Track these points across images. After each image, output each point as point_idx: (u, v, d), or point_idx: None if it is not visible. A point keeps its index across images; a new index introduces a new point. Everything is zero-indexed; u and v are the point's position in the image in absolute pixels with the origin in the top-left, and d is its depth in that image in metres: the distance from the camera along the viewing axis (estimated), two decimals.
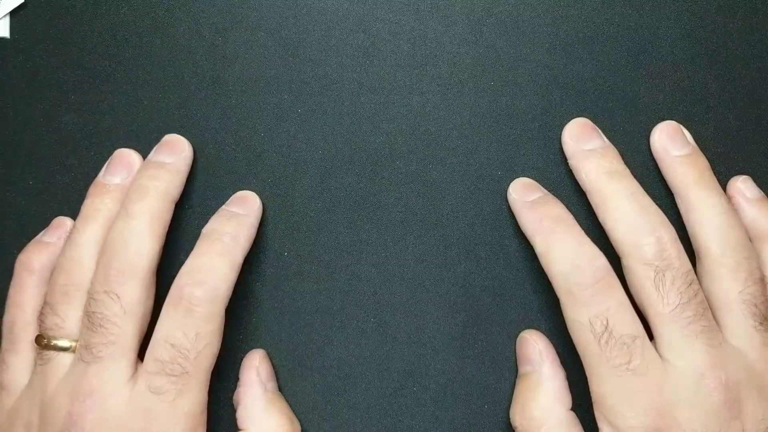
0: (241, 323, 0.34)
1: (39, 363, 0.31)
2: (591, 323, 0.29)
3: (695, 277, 0.30)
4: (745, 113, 0.34)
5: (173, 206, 0.32)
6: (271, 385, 0.33)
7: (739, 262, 0.31)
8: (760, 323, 0.30)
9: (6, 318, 0.33)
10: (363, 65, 0.34)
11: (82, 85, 0.35)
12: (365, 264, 0.34)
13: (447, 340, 0.34)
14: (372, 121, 0.34)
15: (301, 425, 0.33)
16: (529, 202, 0.33)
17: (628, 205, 0.31)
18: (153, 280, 0.31)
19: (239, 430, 0.32)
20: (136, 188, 0.32)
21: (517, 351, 0.34)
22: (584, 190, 0.33)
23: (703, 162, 0.33)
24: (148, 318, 0.31)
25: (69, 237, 0.32)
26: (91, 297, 0.30)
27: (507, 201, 0.34)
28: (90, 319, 0.30)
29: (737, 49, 0.34)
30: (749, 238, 0.32)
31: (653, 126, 0.34)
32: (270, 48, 0.35)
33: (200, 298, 0.30)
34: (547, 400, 0.31)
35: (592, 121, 0.34)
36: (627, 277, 0.31)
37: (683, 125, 0.34)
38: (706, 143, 0.34)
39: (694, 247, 0.32)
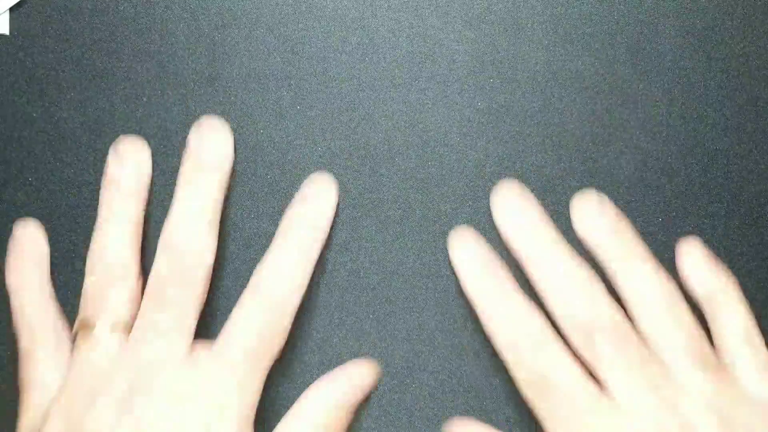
0: None
1: (84, 350, 0.30)
2: (536, 379, 0.30)
3: (630, 327, 0.30)
4: (745, 111, 0.34)
5: (223, 199, 0.33)
6: None
7: (676, 317, 0.31)
8: (704, 369, 0.30)
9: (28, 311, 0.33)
10: (362, 62, 0.34)
11: (81, 81, 0.35)
12: (364, 261, 0.34)
13: (446, 338, 0.34)
14: (371, 117, 0.34)
15: None
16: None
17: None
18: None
19: None
20: (185, 187, 0.33)
21: None
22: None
23: (629, 233, 0.32)
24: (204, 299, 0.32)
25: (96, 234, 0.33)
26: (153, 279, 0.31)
27: None
28: (154, 299, 0.31)
29: (737, 46, 0.34)
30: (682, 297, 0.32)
31: (653, 124, 0.34)
32: (269, 45, 0.35)
33: (281, 292, 0.31)
34: None
35: (591, 118, 0.34)
36: (567, 339, 0.31)
37: (681, 123, 0.34)
38: (704, 141, 0.34)
39: (628, 313, 0.32)
